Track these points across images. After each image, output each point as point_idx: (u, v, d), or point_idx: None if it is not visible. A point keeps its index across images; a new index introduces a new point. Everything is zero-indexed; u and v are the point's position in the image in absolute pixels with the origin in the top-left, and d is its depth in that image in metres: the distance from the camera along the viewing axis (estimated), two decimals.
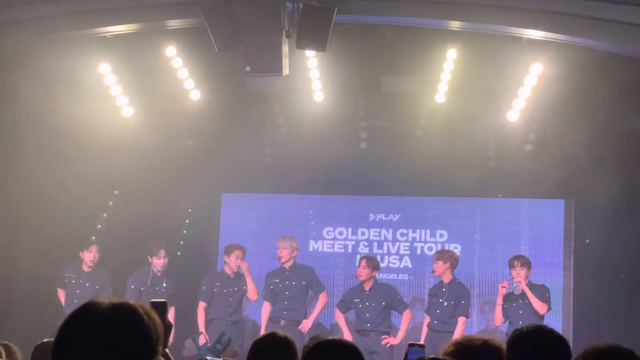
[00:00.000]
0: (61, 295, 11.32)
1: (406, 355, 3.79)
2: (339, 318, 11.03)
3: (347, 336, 10.69)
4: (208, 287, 11.15)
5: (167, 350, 3.49)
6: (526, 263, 10.49)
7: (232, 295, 11.14)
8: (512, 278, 10.48)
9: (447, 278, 10.69)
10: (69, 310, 9.88)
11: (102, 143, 11.03)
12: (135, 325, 2.41)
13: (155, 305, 3.55)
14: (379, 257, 11.80)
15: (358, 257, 12.46)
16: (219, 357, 6.84)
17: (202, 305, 11.12)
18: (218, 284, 11.15)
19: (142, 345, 2.41)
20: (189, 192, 12.32)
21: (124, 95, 10.97)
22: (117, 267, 11.41)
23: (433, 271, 10.79)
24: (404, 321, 10.78)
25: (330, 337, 3.95)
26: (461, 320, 10.48)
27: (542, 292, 10.41)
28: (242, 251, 11.21)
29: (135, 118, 11.13)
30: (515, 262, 10.49)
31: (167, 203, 12.10)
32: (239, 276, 11.21)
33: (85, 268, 11.30)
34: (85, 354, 2.35)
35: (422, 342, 10.30)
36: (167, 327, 3.45)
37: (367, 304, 10.79)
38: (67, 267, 11.39)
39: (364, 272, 10.83)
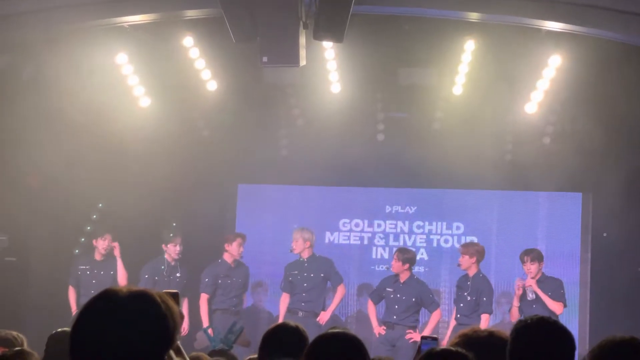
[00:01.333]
0: (71, 295, 11.25)
1: (419, 347, 3.81)
2: (370, 309, 10.99)
3: (375, 329, 10.70)
4: (212, 279, 11.18)
5: (178, 342, 3.49)
6: (537, 257, 10.44)
7: (236, 285, 11.20)
8: (525, 274, 10.46)
9: (472, 272, 10.65)
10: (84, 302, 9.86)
11: (119, 133, 11.05)
12: (153, 312, 2.40)
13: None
14: (394, 250, 11.76)
15: (374, 249, 12.48)
16: (231, 346, 6.84)
17: (204, 297, 11.17)
18: (222, 275, 11.19)
19: (159, 333, 2.41)
20: (205, 183, 12.33)
21: (141, 86, 10.99)
22: (132, 257, 11.43)
23: (459, 265, 10.75)
24: (432, 320, 10.74)
25: (336, 330, 3.95)
26: (484, 317, 10.42)
27: (556, 288, 10.37)
28: (243, 238, 11.26)
29: (152, 108, 11.14)
30: (526, 258, 10.46)
31: (183, 194, 12.11)
32: (239, 265, 11.24)
33: (97, 257, 11.31)
34: (103, 341, 2.35)
35: (448, 335, 10.32)
36: (179, 317, 3.44)
37: (398, 295, 10.75)
38: (79, 260, 11.41)
39: (396, 265, 10.80)
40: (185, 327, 10.86)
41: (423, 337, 3.85)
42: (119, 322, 2.37)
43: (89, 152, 11.16)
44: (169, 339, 2.43)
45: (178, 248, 11.31)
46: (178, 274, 11.33)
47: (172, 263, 11.36)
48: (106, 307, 2.40)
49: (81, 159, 11.12)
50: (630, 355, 3.26)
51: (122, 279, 11.14)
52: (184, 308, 11.07)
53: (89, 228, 11.92)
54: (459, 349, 3.22)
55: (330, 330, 4.01)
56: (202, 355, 5.10)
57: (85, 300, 10.12)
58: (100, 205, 12.13)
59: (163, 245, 11.35)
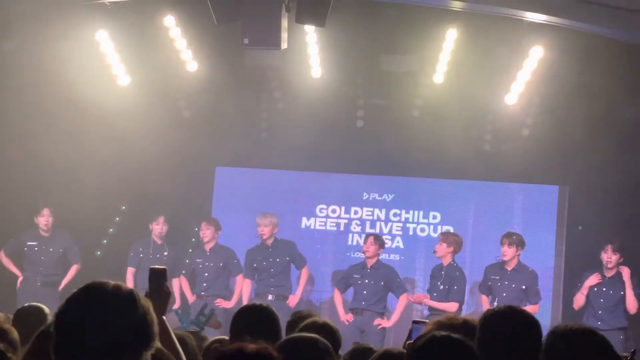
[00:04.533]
0: (9, 264, 11.27)
1: (410, 331, 3.81)
2: (337, 297, 11.02)
3: (342, 316, 10.72)
4: (193, 263, 11.33)
5: (164, 317, 3.48)
6: (515, 242, 10.51)
7: (208, 270, 11.24)
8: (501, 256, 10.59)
9: (446, 261, 10.69)
10: (29, 275, 9.80)
11: (98, 110, 10.98)
12: (135, 310, 2.44)
13: (154, 272, 3.53)
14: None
15: (350, 235, 12.48)
16: (202, 328, 6.87)
17: (183, 280, 11.27)
18: (199, 260, 11.25)
19: (139, 330, 2.45)
20: (183, 164, 12.28)
21: (121, 64, 10.90)
22: (114, 239, 11.44)
23: (435, 252, 10.78)
24: (400, 305, 10.78)
25: (302, 334, 3.92)
26: (453, 305, 10.47)
27: (530, 281, 10.48)
28: (215, 225, 11.29)
29: (132, 87, 11.07)
30: (505, 240, 10.56)
31: (161, 175, 12.05)
32: (218, 249, 11.29)
33: (42, 233, 11.31)
34: (86, 331, 2.38)
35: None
36: (166, 294, 3.44)
37: (366, 281, 10.79)
38: (26, 235, 11.37)
39: (371, 248, 10.84)
40: (177, 304, 10.99)
41: (415, 322, 3.85)
42: (103, 314, 2.40)
43: (67, 128, 11.09)
44: (149, 338, 2.46)
45: (161, 227, 11.32)
46: (165, 253, 11.36)
47: (159, 242, 11.39)
48: (91, 298, 2.44)
49: (59, 135, 11.04)
50: (579, 340, 3.30)
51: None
52: (175, 287, 11.13)
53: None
54: (461, 337, 3.17)
55: (302, 334, 3.95)
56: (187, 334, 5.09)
57: (33, 275, 10.15)
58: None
59: (149, 225, 11.38)
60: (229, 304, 11.02)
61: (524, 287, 10.50)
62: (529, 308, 9.96)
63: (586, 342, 3.30)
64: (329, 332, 4.15)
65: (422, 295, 10.78)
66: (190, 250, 12.01)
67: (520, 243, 10.54)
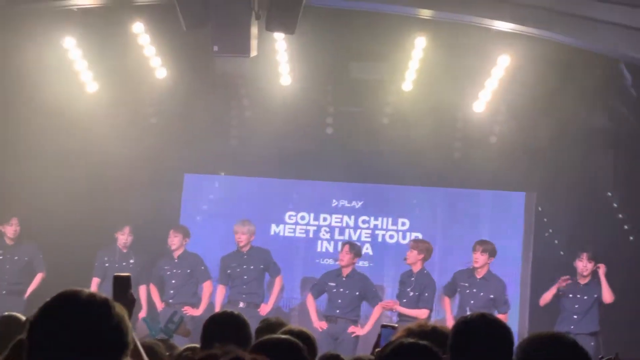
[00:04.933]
0: None
1: (379, 336, 3.83)
2: (310, 303, 11.00)
3: (315, 323, 10.70)
4: (161, 270, 11.28)
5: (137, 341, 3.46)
6: (488, 250, 10.56)
7: (176, 277, 11.21)
8: (471, 262, 10.65)
9: (416, 268, 10.72)
10: None
11: (66, 118, 10.92)
12: (110, 318, 2.43)
13: (118, 279, 3.51)
14: (339, 244, 11.81)
15: (319, 242, 12.48)
16: (171, 336, 6.84)
17: (153, 287, 11.25)
18: (167, 267, 11.22)
19: (114, 339, 2.44)
20: (151, 171, 12.22)
21: (89, 71, 10.84)
22: (81, 245, 11.36)
23: (405, 259, 10.80)
24: (374, 314, 10.78)
25: (274, 336, 3.94)
26: (424, 312, 10.50)
27: (499, 290, 10.55)
28: (183, 232, 11.28)
29: (100, 94, 11.01)
30: (478, 247, 10.61)
31: (129, 181, 11.99)
32: (188, 256, 11.27)
33: (7, 241, 11.26)
34: (60, 340, 2.36)
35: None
36: (131, 301, 3.44)
37: (341, 290, 10.77)
38: None
39: (345, 257, 10.81)
40: (144, 311, 10.94)
41: (383, 326, 3.87)
42: (77, 323, 2.38)
43: (35, 135, 11.01)
44: (124, 346, 2.45)
45: (126, 237, 11.29)
46: (132, 261, 11.30)
47: (124, 250, 11.34)
48: (65, 307, 2.42)
49: (26, 143, 10.97)
50: (555, 347, 3.33)
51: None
52: (142, 295, 11.08)
53: None
54: (428, 344, 3.24)
55: (277, 336, 3.97)
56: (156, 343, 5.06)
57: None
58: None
59: (115, 234, 11.34)
60: (197, 312, 10.97)
61: (492, 296, 10.56)
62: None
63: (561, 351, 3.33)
64: (305, 339, 4.16)
65: (392, 302, 10.80)
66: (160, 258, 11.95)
67: (492, 252, 10.60)
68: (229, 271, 11.13)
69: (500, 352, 3.56)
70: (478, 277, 10.61)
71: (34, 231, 11.39)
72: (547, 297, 10.59)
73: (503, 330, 3.65)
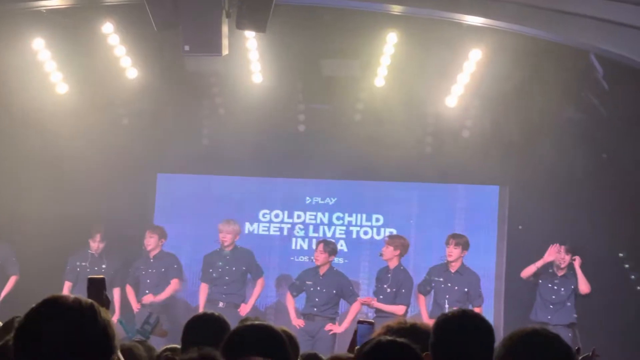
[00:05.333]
0: None
1: (355, 332, 3.83)
2: (289, 301, 11.01)
3: (293, 321, 10.70)
4: (137, 270, 11.23)
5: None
6: (461, 244, 10.63)
7: (150, 277, 11.18)
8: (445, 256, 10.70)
9: (393, 264, 10.74)
10: None
11: (36, 119, 10.83)
12: (96, 322, 2.43)
13: (92, 281, 3.49)
14: (314, 241, 11.80)
15: (294, 240, 12.47)
16: (148, 337, 6.79)
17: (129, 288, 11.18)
18: (142, 267, 11.19)
19: (101, 343, 2.44)
20: (124, 172, 12.15)
21: (59, 72, 10.76)
22: (54, 247, 11.28)
23: (381, 254, 10.83)
24: (352, 312, 10.80)
25: (256, 322, 3.95)
26: (401, 308, 10.52)
27: (473, 283, 10.59)
28: (159, 232, 11.23)
29: (70, 95, 10.94)
30: (451, 240, 10.68)
31: (101, 183, 11.91)
32: (164, 255, 11.21)
33: None
34: (46, 346, 2.36)
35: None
36: (105, 303, 3.41)
37: (318, 288, 10.78)
38: None
39: (320, 256, 10.82)
40: (117, 314, 10.87)
41: (360, 322, 3.87)
42: (64, 328, 2.38)
43: (5, 137, 10.92)
44: (110, 351, 2.45)
45: (97, 245, 11.26)
46: (104, 266, 11.24)
47: (96, 255, 11.29)
48: (51, 312, 2.41)
49: None
50: (539, 344, 3.34)
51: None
52: (115, 297, 11.03)
53: None
54: (407, 341, 3.26)
55: (249, 322, 3.98)
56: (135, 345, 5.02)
57: None
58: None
59: (88, 239, 11.29)
60: (157, 299, 10.99)
61: (466, 289, 10.62)
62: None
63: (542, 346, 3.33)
64: (288, 338, 4.16)
65: (369, 298, 10.82)
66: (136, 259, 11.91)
67: (465, 245, 10.66)
68: (210, 270, 11.10)
69: (481, 347, 3.56)
70: (452, 271, 10.67)
71: (5, 234, 11.29)
72: (530, 269, 10.70)
73: (484, 326, 3.65)
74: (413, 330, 3.91)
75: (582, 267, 10.53)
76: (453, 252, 10.61)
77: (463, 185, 12.29)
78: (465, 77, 10.57)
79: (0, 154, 10.92)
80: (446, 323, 3.64)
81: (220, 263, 11.10)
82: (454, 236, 10.75)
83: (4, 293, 11.06)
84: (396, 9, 9.25)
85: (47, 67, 10.62)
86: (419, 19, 9.43)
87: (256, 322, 3.95)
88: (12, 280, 11.17)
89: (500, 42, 9.59)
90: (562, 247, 10.56)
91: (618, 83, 10.12)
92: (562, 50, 9.52)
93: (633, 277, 11.45)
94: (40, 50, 10.39)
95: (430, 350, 3.57)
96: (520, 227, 11.85)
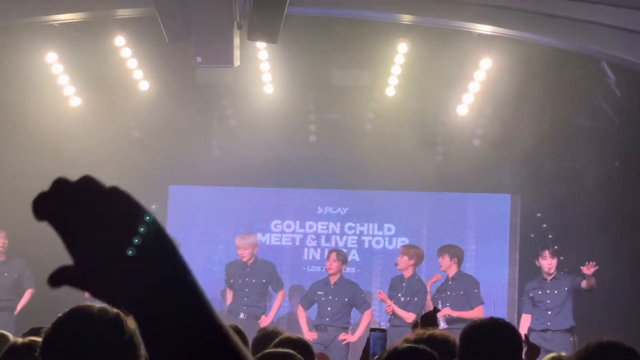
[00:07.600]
0: None
1: (368, 340, 3.84)
2: (300, 315, 10.98)
3: (306, 334, 10.65)
4: None
5: None
6: (449, 252, 10.60)
7: None
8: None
9: (408, 273, 10.72)
10: None
11: (48, 133, 10.87)
12: (123, 333, 2.44)
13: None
14: (326, 251, 11.80)
15: (306, 250, 12.47)
16: None
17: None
18: None
19: (127, 353, 2.44)
20: (136, 184, 12.17)
21: (71, 85, 10.82)
22: (69, 260, 11.24)
23: (396, 264, 10.81)
24: (364, 320, 10.75)
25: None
26: (411, 316, 10.46)
27: (470, 286, 10.54)
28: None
29: (83, 108, 10.99)
30: (438, 252, 10.69)
31: None
32: None
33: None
34: (73, 356, 2.37)
35: None
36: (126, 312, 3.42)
37: (330, 297, 10.75)
38: None
39: (333, 265, 10.79)
40: None
41: (372, 329, 3.88)
42: (90, 338, 2.39)
43: (19, 151, 10.95)
44: (136, 359, 2.46)
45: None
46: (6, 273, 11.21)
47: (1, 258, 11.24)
48: (78, 322, 2.42)
49: (11, 159, 10.90)
50: (614, 356, 3.31)
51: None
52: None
53: None
54: (424, 347, 3.27)
55: (278, 350, 3.97)
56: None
57: None
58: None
59: None
60: None
61: (462, 292, 10.54)
62: (471, 312, 10.14)
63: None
64: (303, 347, 4.16)
65: (384, 295, 10.75)
66: None
67: (452, 254, 10.64)
68: (231, 280, 11.08)
69: (508, 354, 3.57)
70: (449, 278, 10.64)
71: (21, 246, 11.32)
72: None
73: (511, 333, 3.66)
74: (430, 340, 3.92)
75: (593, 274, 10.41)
76: (442, 262, 10.64)
77: (474, 194, 12.28)
78: (476, 86, 10.59)
79: (14, 168, 10.94)
80: (473, 329, 3.65)
81: (239, 275, 11.02)
82: (440, 248, 10.78)
83: (20, 306, 11.11)
84: (406, 19, 9.28)
85: (60, 81, 10.68)
86: (429, 29, 9.46)
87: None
88: (28, 294, 11.21)
89: (511, 51, 9.61)
90: (547, 251, 10.44)
91: (630, 90, 10.12)
92: (574, 57, 9.53)
93: None
94: (53, 63, 10.45)
95: (458, 357, 3.58)
96: (532, 235, 11.83)
